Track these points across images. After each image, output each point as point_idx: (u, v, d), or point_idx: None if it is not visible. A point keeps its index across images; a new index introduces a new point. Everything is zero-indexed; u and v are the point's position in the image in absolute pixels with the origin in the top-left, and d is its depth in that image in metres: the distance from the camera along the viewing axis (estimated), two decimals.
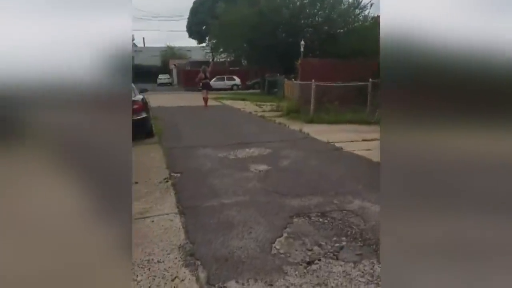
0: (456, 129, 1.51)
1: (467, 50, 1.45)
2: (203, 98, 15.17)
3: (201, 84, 15.17)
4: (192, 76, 24.57)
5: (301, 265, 2.75)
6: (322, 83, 11.08)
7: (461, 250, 1.49)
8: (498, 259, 1.46)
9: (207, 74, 15.25)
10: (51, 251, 1.51)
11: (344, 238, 3.18)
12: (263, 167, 5.54)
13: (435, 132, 1.51)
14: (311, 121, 10.16)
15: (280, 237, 3.21)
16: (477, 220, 1.49)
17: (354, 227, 3.41)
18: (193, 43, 47.95)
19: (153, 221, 3.61)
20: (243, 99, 18.78)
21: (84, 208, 1.58)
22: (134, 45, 57.28)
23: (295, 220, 3.58)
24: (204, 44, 38.56)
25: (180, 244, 3.10)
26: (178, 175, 5.22)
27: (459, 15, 1.45)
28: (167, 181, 4.87)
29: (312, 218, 3.63)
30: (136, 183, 4.80)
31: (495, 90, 1.44)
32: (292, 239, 3.18)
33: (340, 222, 3.52)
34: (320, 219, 3.59)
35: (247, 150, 6.72)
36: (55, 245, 1.52)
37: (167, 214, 3.80)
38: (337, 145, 7.09)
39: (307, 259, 2.83)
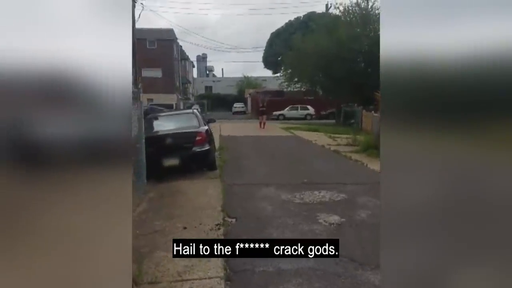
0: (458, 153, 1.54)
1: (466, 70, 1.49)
2: (260, 122, 19.89)
3: (260, 111, 20.73)
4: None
5: None
6: None
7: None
8: None
9: (264, 104, 20.68)
10: None
11: None
12: (334, 218, 4.54)
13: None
14: None
15: None
16: None
17: None
18: (268, 73, 49.09)
19: None
20: (316, 130, 17.81)
21: None
22: (213, 75, 60.90)
23: None
24: (278, 74, 38.94)
25: None
26: (233, 220, 4.52)
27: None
28: (219, 228, 4.19)
29: None
30: (185, 228, 4.21)
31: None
32: None
33: None
34: None
35: (316, 193, 5.77)
36: None
37: (210, 278, 3.06)
38: None
39: None
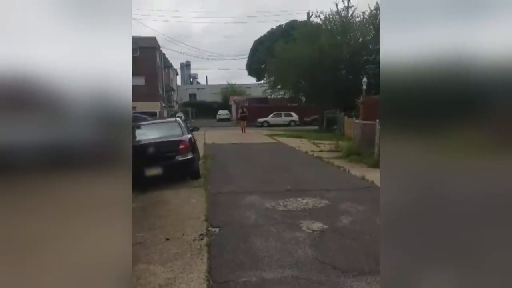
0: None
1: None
2: (241, 127, 21.57)
3: (240, 116, 22.57)
4: (250, 111, 25.54)
5: None
6: None
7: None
8: None
9: (245, 110, 22.54)
10: None
11: None
12: (317, 225, 4.58)
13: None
14: (374, 166, 8.92)
15: None
16: None
17: None
18: (252, 80, 49.31)
19: None
20: (300, 137, 17.96)
21: None
22: (198, 83, 60.75)
23: None
24: (262, 81, 39.17)
25: None
26: (216, 230, 4.49)
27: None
28: (202, 239, 4.16)
29: None
30: (168, 239, 4.16)
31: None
32: None
33: None
34: None
35: (299, 199, 5.81)
36: None
37: None
38: None
39: None
